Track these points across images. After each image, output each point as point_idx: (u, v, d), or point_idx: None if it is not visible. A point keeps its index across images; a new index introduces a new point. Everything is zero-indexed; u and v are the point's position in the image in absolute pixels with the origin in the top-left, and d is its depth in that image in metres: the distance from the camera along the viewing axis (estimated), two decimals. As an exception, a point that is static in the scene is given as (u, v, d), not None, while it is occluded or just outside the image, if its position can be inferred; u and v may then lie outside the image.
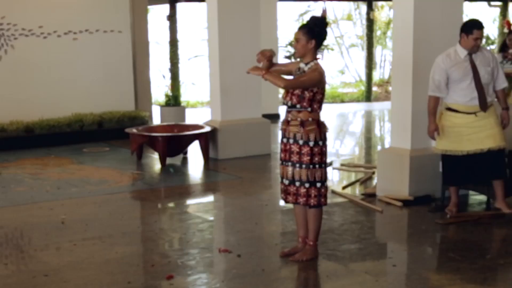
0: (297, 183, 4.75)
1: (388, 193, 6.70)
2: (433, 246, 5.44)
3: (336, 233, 5.64)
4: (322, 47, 13.27)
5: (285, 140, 4.81)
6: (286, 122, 4.80)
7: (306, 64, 4.76)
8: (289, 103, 4.74)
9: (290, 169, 4.77)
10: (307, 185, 4.74)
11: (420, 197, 6.55)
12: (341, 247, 5.25)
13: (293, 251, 5.01)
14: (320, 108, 4.78)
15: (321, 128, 4.77)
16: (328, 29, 4.87)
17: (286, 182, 4.82)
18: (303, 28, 4.78)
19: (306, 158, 4.71)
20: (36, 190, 7.34)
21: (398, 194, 6.61)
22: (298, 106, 4.70)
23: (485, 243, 5.51)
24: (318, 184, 4.77)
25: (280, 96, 4.87)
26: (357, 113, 14.92)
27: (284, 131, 4.82)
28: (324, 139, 4.79)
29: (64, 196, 7.05)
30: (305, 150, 4.70)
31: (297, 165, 4.73)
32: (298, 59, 4.85)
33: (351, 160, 9.20)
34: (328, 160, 8.62)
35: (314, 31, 4.73)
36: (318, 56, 4.87)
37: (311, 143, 4.71)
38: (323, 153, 4.79)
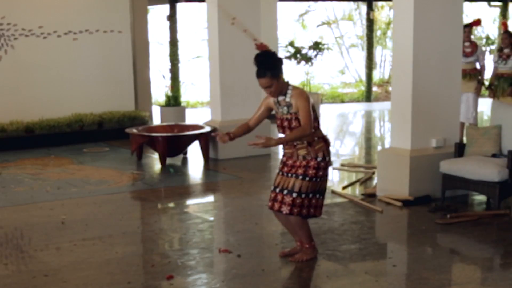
0: (294, 194, 4.73)
1: (388, 193, 6.70)
2: (433, 246, 5.44)
3: (336, 233, 5.64)
4: (322, 47, 13.29)
5: (301, 157, 4.77)
6: (293, 146, 4.76)
7: (285, 94, 4.70)
8: (289, 130, 4.74)
9: (292, 179, 4.75)
10: (303, 196, 4.74)
11: (420, 197, 6.56)
12: (341, 247, 5.25)
13: (293, 251, 5.01)
14: (319, 124, 4.80)
15: (328, 143, 4.81)
16: (279, 57, 4.78)
17: (285, 192, 4.76)
18: (265, 74, 4.59)
19: (311, 171, 4.72)
20: (36, 190, 7.34)
21: (398, 194, 6.61)
22: None
23: (485, 243, 5.51)
24: (311, 195, 4.78)
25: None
26: (357, 113, 14.92)
27: (291, 155, 4.79)
28: (329, 155, 4.83)
29: (64, 196, 7.05)
30: (312, 163, 4.72)
31: (300, 177, 4.72)
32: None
33: (351, 160, 9.20)
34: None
35: (275, 69, 4.62)
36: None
37: (319, 158, 4.74)
38: (327, 168, 4.82)
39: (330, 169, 8.26)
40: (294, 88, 4.73)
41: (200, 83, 14.94)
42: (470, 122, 9.38)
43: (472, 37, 9.81)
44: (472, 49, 9.25)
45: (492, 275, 4.78)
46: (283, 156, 4.91)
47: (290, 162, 4.82)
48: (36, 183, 7.71)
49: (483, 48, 9.54)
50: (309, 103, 4.66)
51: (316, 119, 4.77)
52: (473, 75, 9.25)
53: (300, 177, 4.72)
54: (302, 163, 4.74)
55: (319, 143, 4.76)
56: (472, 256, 5.26)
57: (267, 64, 4.62)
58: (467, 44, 9.21)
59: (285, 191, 4.76)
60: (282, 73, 4.71)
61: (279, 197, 4.79)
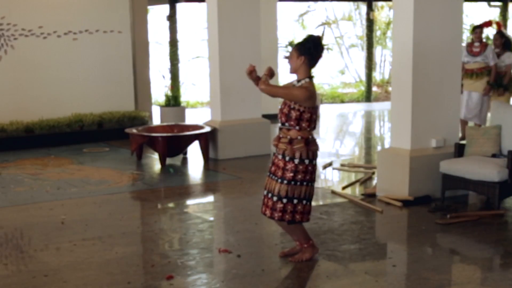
0: (275, 198, 4.74)
1: (388, 193, 6.70)
2: (433, 246, 5.44)
3: (336, 233, 5.64)
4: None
5: (280, 156, 4.80)
6: (278, 139, 4.83)
7: (298, 81, 4.77)
8: (280, 122, 4.80)
9: (273, 182, 4.78)
10: (284, 200, 4.73)
11: (420, 197, 6.56)
12: (341, 247, 5.25)
13: (293, 251, 5.01)
14: (310, 126, 4.74)
15: (310, 147, 4.75)
16: (324, 51, 4.88)
17: (270, 195, 4.79)
18: (296, 44, 4.85)
19: (289, 175, 4.70)
20: (36, 190, 7.33)
21: (398, 194, 6.61)
22: (286, 124, 4.73)
23: (485, 243, 5.51)
24: (295, 201, 4.75)
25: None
26: (357, 113, 14.92)
27: (276, 147, 4.84)
28: (312, 158, 4.77)
29: (64, 196, 7.05)
30: (289, 166, 4.71)
31: (279, 180, 4.73)
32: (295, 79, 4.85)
33: (351, 160, 9.20)
34: (328, 160, 8.71)
35: (305, 47, 4.73)
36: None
37: (296, 161, 4.71)
38: (307, 171, 4.75)
39: (330, 169, 8.37)
40: (309, 82, 4.75)
41: (200, 83, 14.93)
42: (474, 121, 9.42)
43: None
44: (480, 49, 9.32)
45: (492, 275, 4.78)
46: (273, 154, 4.94)
47: (276, 160, 4.84)
48: (36, 183, 7.71)
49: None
50: (302, 95, 4.63)
51: (308, 121, 4.71)
52: (480, 74, 9.31)
53: (279, 180, 4.74)
54: (280, 164, 4.74)
55: (299, 143, 4.71)
56: (472, 256, 5.26)
57: (303, 40, 4.83)
58: (476, 44, 9.32)
59: (274, 197, 4.76)
60: (309, 61, 4.75)
61: (270, 203, 4.80)
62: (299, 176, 4.72)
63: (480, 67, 9.33)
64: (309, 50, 4.73)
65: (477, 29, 9.46)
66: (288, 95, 4.71)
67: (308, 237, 4.97)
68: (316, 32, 5.09)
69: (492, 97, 9.35)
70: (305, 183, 4.76)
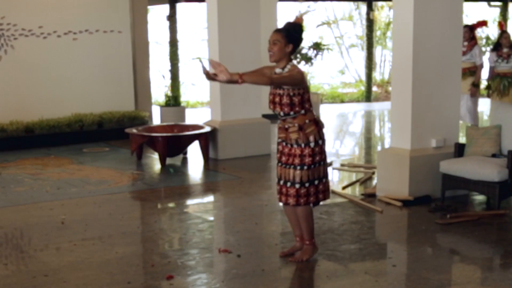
0: (297, 185, 4.73)
1: (388, 193, 6.70)
2: (433, 246, 5.44)
3: (336, 233, 5.64)
4: (323, 47, 13.28)
5: (295, 145, 4.75)
6: (285, 130, 4.77)
7: (283, 68, 4.74)
8: (282, 113, 4.73)
9: (291, 171, 4.74)
10: (307, 185, 4.74)
11: (420, 197, 6.56)
12: (341, 247, 5.25)
13: (293, 250, 5.02)
14: (311, 106, 4.78)
15: (319, 127, 4.77)
16: (304, 35, 4.87)
17: (289, 184, 4.78)
18: (280, 31, 4.75)
19: (308, 160, 4.70)
20: (36, 190, 7.33)
21: (398, 194, 6.61)
22: (291, 113, 4.70)
23: (485, 243, 5.51)
24: (316, 182, 4.77)
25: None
26: (357, 113, 14.92)
27: (285, 139, 4.79)
28: (323, 137, 4.80)
29: (64, 196, 7.05)
30: (307, 151, 4.70)
31: (298, 167, 4.72)
32: (274, 63, 4.80)
33: (351, 160, 9.20)
34: (328, 160, 8.70)
35: (292, 35, 4.73)
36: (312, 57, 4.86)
37: (312, 144, 4.71)
38: (322, 151, 4.79)
39: (330, 169, 8.37)
40: (294, 65, 4.74)
41: (200, 83, 14.93)
42: (470, 123, 9.41)
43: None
44: (467, 49, 9.30)
45: (492, 275, 4.78)
46: (278, 144, 4.90)
47: (286, 150, 4.79)
48: (36, 183, 7.71)
49: (483, 49, 9.58)
50: (298, 77, 4.63)
51: (309, 100, 4.74)
52: (463, 74, 9.27)
53: (298, 167, 4.71)
54: (297, 152, 4.71)
55: (310, 126, 4.72)
56: (472, 256, 5.26)
57: (289, 27, 4.76)
58: (465, 43, 9.28)
59: (288, 183, 4.75)
60: (294, 46, 4.75)
61: (284, 190, 4.80)
62: (317, 158, 4.74)
63: (464, 67, 9.28)
64: (296, 39, 4.74)
65: (464, 28, 9.40)
66: (292, 79, 4.61)
67: (313, 235, 4.96)
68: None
69: (505, 98, 9.28)
70: (322, 163, 4.78)
